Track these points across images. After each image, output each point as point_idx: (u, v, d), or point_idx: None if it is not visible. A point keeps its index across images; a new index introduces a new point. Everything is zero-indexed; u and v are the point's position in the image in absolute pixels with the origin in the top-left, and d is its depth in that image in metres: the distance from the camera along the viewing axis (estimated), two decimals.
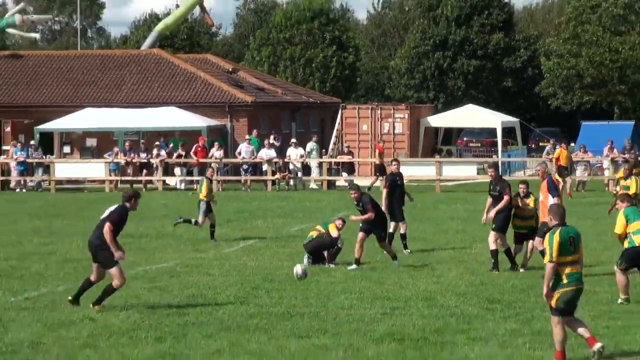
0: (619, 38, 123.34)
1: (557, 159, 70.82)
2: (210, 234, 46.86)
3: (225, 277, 35.84)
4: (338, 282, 33.47)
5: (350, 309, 29.54)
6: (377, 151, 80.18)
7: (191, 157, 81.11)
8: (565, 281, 22.55)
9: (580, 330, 23.11)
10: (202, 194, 47.50)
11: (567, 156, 72.06)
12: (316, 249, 37.32)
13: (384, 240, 37.29)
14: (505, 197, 32.96)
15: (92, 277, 28.67)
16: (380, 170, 71.98)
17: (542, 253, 25.08)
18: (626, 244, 29.09)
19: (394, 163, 42.25)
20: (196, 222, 47.49)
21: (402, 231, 41.21)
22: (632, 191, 42.55)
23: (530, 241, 33.71)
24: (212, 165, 68.60)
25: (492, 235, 33.78)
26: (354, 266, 36.33)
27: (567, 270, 22.63)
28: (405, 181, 41.23)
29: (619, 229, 29.40)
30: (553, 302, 22.55)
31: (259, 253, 42.23)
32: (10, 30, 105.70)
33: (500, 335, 24.80)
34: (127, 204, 27.95)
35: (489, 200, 33.71)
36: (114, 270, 27.23)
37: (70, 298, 29.09)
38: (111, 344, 22.30)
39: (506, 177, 77.61)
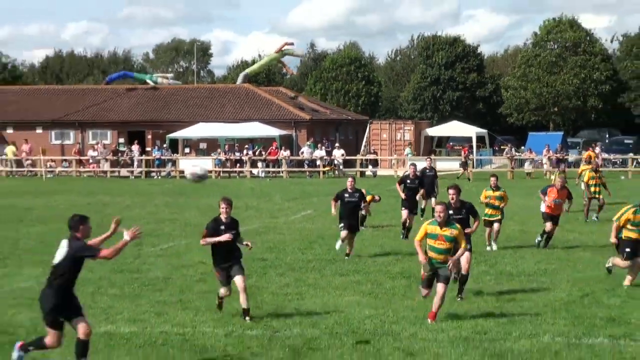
0: (553, 77, 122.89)
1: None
2: None
3: (292, 235, 35.77)
4: (367, 240, 33.27)
5: (375, 256, 29.48)
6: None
7: (267, 156, 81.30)
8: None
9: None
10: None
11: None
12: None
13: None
14: (476, 223, 24.30)
15: None
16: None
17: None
18: None
19: (411, 166, 37.11)
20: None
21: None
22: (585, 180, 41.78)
23: (496, 224, 30.91)
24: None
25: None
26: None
27: None
28: None
29: None
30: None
31: (314, 219, 42.10)
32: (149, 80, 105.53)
33: (474, 275, 24.53)
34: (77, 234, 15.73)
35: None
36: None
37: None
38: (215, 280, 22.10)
39: (477, 170, 77.87)
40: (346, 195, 28.98)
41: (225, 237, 19.42)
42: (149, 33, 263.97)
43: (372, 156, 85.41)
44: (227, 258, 19.55)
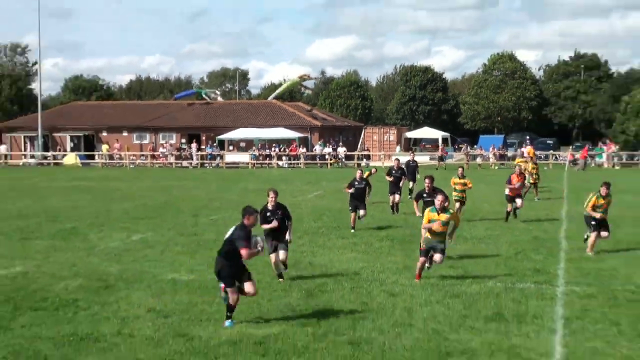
0: (497, 96, 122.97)
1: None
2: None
3: (307, 209, 35.66)
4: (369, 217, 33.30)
5: (368, 225, 29.41)
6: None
7: (289, 152, 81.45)
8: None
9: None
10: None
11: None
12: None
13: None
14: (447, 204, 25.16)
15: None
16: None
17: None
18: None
19: (395, 160, 36.31)
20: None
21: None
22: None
23: (459, 202, 30.76)
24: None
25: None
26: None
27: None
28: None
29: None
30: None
31: (324, 198, 41.98)
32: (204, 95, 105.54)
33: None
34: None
35: (417, 204, 24.98)
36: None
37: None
38: None
39: (444, 162, 77.97)
40: (356, 182, 28.63)
41: (273, 224, 18.71)
42: (205, 63, 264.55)
43: (366, 152, 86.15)
44: (274, 236, 18.85)
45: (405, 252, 22.91)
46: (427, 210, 19.28)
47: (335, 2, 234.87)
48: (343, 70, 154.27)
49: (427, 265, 18.97)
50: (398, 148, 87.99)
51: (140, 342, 13.68)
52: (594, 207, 22.91)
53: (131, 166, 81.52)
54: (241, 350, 13.13)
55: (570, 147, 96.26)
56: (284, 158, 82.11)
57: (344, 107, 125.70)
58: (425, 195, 23.83)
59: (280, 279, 18.81)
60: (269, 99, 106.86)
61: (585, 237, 23.45)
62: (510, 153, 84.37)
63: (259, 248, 14.63)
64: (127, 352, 13.08)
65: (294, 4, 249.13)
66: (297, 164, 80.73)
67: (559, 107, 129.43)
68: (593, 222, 22.83)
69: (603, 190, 22.96)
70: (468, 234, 26.81)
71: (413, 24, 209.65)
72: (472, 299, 16.91)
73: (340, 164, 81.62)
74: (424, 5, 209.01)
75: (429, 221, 18.82)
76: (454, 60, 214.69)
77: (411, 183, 39.50)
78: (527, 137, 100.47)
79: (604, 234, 22.93)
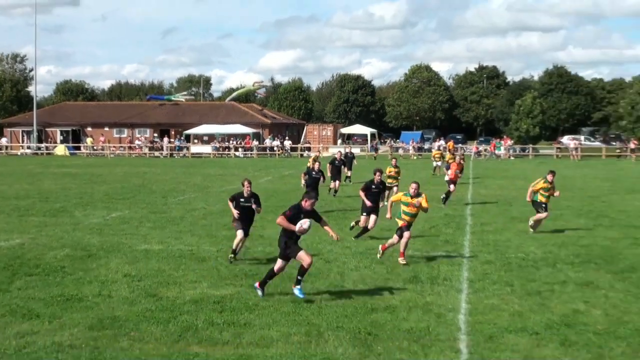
0: (416, 99, 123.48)
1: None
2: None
3: (258, 191, 35.32)
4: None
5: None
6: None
7: (244, 144, 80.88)
8: None
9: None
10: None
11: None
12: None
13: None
14: (387, 193, 23.85)
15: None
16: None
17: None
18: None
19: (337, 152, 35.13)
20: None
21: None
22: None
23: (395, 187, 29.18)
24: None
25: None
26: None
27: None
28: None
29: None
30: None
31: (273, 182, 41.62)
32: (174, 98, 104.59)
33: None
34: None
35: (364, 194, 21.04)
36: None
37: None
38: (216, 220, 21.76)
39: (372, 153, 78.18)
40: (313, 173, 27.51)
41: (235, 212, 17.32)
42: (175, 71, 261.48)
43: (307, 145, 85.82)
44: (244, 220, 17.40)
45: (339, 226, 22.83)
46: (401, 194, 18.44)
47: (283, 22, 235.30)
48: (289, 78, 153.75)
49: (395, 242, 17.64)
50: (340, 141, 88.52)
51: (117, 301, 13.53)
52: (539, 190, 21.99)
53: (111, 156, 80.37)
54: (202, 308, 13.03)
55: (475, 141, 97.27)
56: (240, 149, 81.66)
57: (290, 107, 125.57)
58: (373, 187, 22.19)
59: (232, 255, 17.35)
60: (227, 100, 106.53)
61: (531, 222, 22.28)
62: (426, 146, 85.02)
63: (305, 227, 13.52)
64: (106, 310, 12.92)
65: (251, 23, 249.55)
66: (251, 154, 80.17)
67: (466, 109, 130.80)
68: (543, 206, 21.89)
69: (549, 177, 22.14)
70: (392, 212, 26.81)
71: (347, 40, 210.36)
72: (394, 264, 16.94)
73: (286, 154, 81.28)
74: (356, 26, 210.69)
75: (403, 204, 17.85)
76: (380, 70, 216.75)
77: (349, 172, 39.44)
78: (433, 133, 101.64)
79: (545, 214, 22.05)
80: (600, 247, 19.59)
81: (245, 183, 17.71)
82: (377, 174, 21.33)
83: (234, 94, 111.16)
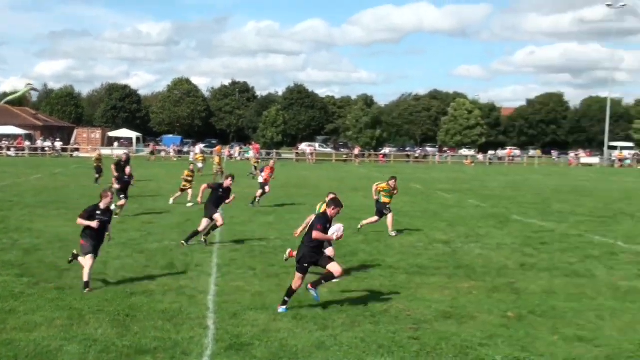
0: (177, 108, 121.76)
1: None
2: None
3: (28, 188, 33.25)
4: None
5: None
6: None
7: (17, 144, 75.88)
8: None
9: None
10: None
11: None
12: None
13: None
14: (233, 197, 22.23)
15: None
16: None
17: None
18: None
19: (124, 154, 30.95)
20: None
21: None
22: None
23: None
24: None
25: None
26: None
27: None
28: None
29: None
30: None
31: (42, 180, 39.25)
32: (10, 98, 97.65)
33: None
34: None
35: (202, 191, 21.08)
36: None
37: None
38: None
39: (155, 156, 76.24)
40: (125, 177, 24.18)
41: (94, 223, 12.99)
42: None
43: (77, 147, 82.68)
44: (96, 238, 12.99)
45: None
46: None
47: (57, 34, 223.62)
48: (62, 85, 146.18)
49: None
50: (134, 143, 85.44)
51: None
52: (381, 191, 20.89)
53: None
54: None
55: (228, 146, 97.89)
56: (12, 149, 76.94)
57: (62, 112, 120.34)
58: (221, 191, 18.38)
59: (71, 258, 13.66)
60: (2, 104, 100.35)
61: (360, 226, 21.22)
62: (186, 149, 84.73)
63: (340, 233, 11.93)
64: None
65: (24, 33, 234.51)
66: (23, 154, 75.93)
67: (220, 118, 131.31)
68: (383, 210, 20.80)
69: (392, 183, 20.96)
70: (245, 204, 26.28)
71: (117, 53, 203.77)
72: (153, 253, 16.60)
73: (57, 154, 77.68)
74: (125, 41, 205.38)
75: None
76: (146, 81, 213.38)
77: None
78: (192, 140, 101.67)
79: (390, 214, 20.87)
80: None
81: (108, 194, 13.50)
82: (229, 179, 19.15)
83: (8, 98, 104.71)
